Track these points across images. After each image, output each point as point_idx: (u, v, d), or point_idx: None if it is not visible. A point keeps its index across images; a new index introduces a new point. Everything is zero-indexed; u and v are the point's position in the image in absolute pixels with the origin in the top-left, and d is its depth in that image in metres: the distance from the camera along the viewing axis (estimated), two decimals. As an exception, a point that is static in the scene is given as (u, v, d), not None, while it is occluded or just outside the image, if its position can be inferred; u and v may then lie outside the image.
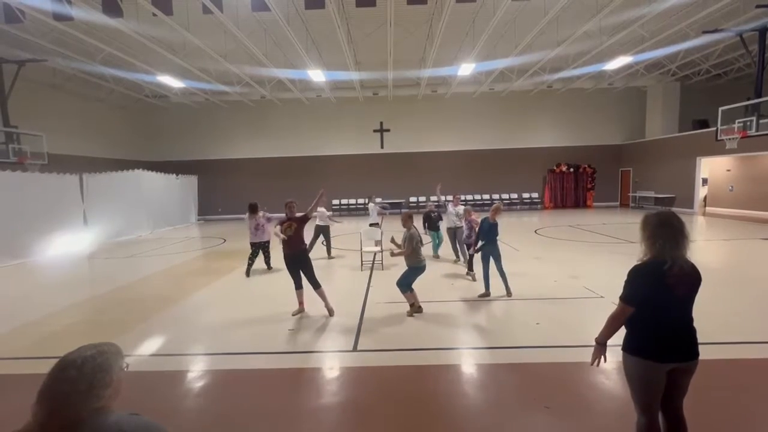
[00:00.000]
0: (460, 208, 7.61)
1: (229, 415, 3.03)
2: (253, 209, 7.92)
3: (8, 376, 3.82)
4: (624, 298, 2.05)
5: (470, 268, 6.83)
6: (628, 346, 2.08)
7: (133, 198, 14.37)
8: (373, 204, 9.80)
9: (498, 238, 5.71)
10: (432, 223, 8.48)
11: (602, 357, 2.16)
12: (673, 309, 2.03)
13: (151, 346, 4.53)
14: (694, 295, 2.08)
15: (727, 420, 2.83)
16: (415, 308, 5.12)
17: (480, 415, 2.99)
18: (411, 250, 4.95)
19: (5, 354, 4.36)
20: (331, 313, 5.15)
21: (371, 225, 9.04)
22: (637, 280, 2.04)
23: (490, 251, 5.62)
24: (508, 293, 5.67)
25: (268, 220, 7.99)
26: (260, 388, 3.46)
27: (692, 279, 2.04)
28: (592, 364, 2.17)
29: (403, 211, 6.47)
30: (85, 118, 16.59)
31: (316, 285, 5.17)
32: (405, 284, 5.04)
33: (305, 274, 5.19)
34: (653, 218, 2.06)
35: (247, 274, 7.62)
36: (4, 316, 5.67)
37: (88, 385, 1.07)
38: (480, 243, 5.69)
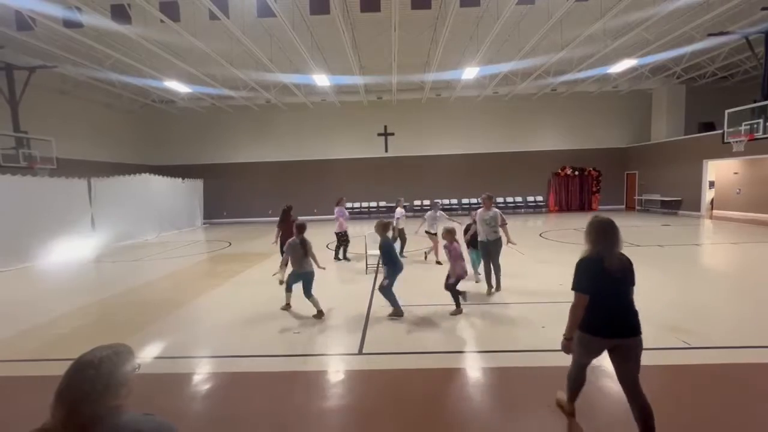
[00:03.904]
0: (494, 212, 6.05)
1: (235, 417, 3.06)
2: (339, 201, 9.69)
3: (19, 378, 3.88)
4: (577, 289, 2.49)
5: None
6: (579, 327, 2.53)
7: (140, 202, 14.52)
8: (400, 208, 9.41)
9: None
10: (474, 239, 6.68)
11: (570, 350, 2.60)
12: (611, 294, 2.44)
13: (158, 348, 4.57)
14: (630, 282, 2.48)
15: (737, 423, 2.80)
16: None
17: (486, 418, 2.99)
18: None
19: (15, 356, 4.42)
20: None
21: (398, 229, 8.94)
22: (583, 272, 2.49)
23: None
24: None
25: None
26: (266, 390, 3.48)
27: (625, 269, 2.46)
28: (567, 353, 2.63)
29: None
30: (93, 123, 16.82)
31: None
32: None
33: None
34: (595, 224, 2.53)
35: (336, 257, 9.23)
36: (13, 319, 5.75)
37: (105, 384, 1.11)
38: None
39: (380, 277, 7.44)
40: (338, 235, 9.19)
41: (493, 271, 6.11)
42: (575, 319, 2.49)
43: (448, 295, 5.48)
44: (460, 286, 5.24)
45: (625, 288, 2.46)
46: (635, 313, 2.45)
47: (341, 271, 8.17)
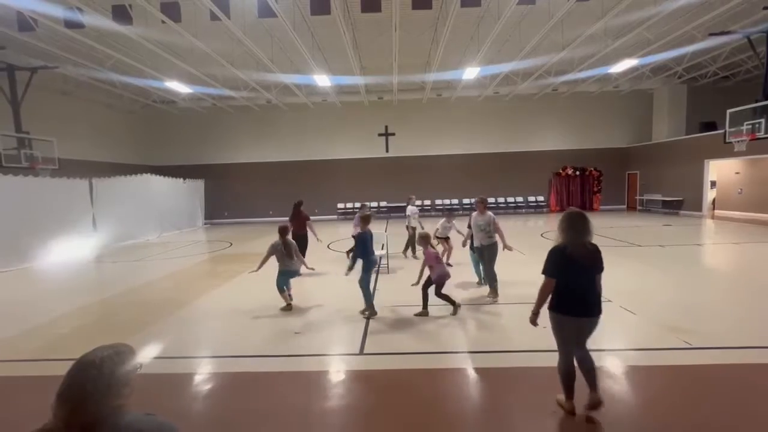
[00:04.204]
0: (488, 216, 5.83)
1: (236, 417, 3.06)
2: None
3: (20, 378, 3.89)
4: (546, 273, 2.80)
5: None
6: (550, 306, 2.83)
7: (141, 202, 14.54)
8: (412, 207, 9.19)
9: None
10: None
11: (536, 323, 2.93)
12: (579, 279, 2.75)
13: (159, 348, 4.58)
14: (598, 269, 2.80)
15: (739, 424, 2.80)
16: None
17: (486, 418, 2.99)
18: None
19: (17, 356, 4.43)
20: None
21: (411, 228, 8.87)
22: (554, 259, 2.78)
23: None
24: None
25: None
26: (267, 390, 3.48)
27: (593, 257, 2.77)
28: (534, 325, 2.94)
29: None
30: (94, 124, 16.85)
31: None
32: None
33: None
34: (566, 217, 2.82)
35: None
36: (14, 319, 5.76)
37: (108, 383, 1.11)
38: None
39: (381, 277, 7.47)
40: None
41: (486, 277, 6.00)
42: (542, 298, 2.84)
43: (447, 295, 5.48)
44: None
45: (591, 274, 2.78)
46: (599, 295, 2.80)
47: (341, 271, 8.17)
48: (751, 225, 13.27)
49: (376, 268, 5.29)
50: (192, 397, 3.42)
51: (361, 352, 4.18)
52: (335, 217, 20.46)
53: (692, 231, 12.48)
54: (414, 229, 8.91)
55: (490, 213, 5.87)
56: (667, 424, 2.81)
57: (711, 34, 11.95)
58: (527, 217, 18.30)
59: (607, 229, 12.87)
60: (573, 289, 2.75)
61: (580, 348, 2.87)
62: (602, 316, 2.82)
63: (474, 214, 6.02)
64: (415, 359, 3.99)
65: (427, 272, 5.17)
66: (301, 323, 5.10)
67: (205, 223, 19.70)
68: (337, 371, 3.80)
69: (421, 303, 5.21)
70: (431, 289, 5.13)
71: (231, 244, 12.80)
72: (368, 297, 5.25)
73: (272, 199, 20.25)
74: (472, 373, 3.69)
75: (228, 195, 20.54)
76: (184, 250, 11.94)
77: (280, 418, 3.04)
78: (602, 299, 2.83)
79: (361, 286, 5.20)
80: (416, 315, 5.14)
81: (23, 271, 9.43)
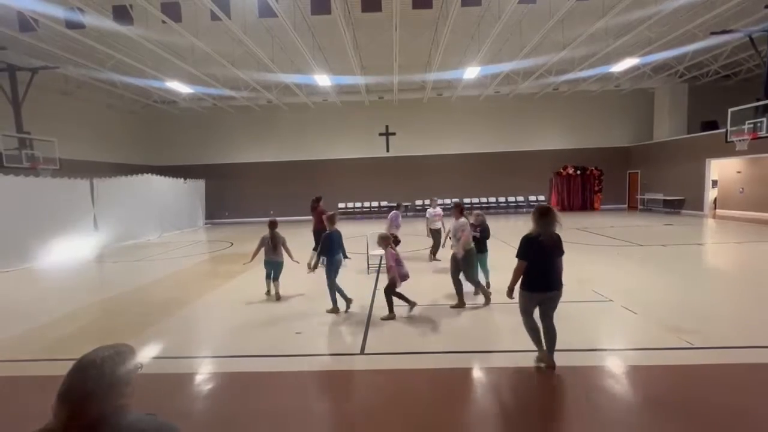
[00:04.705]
0: (459, 223, 5.56)
1: (237, 417, 3.06)
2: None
3: (21, 378, 3.89)
4: (519, 256, 3.49)
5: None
6: (521, 285, 3.54)
7: (142, 202, 14.56)
8: (432, 209, 8.82)
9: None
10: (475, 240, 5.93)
11: (512, 297, 3.64)
12: (544, 261, 3.43)
13: (160, 348, 4.58)
14: (559, 253, 3.50)
15: (740, 423, 2.79)
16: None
17: (487, 418, 2.98)
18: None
19: (19, 356, 4.44)
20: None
21: (433, 231, 8.63)
22: (525, 245, 3.47)
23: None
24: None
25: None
26: (268, 390, 3.48)
27: (556, 243, 3.47)
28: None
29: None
30: (95, 124, 16.87)
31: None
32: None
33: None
34: (536, 211, 3.50)
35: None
36: (17, 319, 5.77)
37: (108, 383, 1.11)
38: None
39: (383, 277, 7.47)
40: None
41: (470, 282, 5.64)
42: (516, 277, 3.52)
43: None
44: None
45: (553, 257, 3.45)
46: (560, 274, 3.49)
47: (342, 271, 8.17)
48: (753, 224, 13.24)
49: (337, 268, 5.51)
50: (193, 397, 3.43)
51: (363, 352, 4.18)
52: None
53: (693, 230, 12.46)
54: (437, 231, 8.64)
55: (463, 218, 5.64)
56: (668, 423, 2.80)
57: (712, 33, 11.92)
58: (528, 217, 18.25)
59: (608, 229, 12.85)
60: (538, 269, 3.43)
61: (547, 319, 3.57)
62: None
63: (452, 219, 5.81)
64: (416, 359, 3.99)
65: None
66: (302, 323, 5.10)
67: (206, 223, 19.71)
68: (338, 371, 3.80)
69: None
70: (384, 287, 5.19)
71: (232, 244, 12.81)
72: (332, 295, 5.42)
73: (273, 198, 20.27)
74: (473, 373, 3.69)
75: (229, 195, 20.56)
76: (184, 250, 11.95)
77: (280, 418, 3.04)
78: (562, 278, 3.55)
79: (328, 286, 5.43)
80: (383, 318, 5.09)
81: (24, 271, 9.45)
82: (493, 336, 4.58)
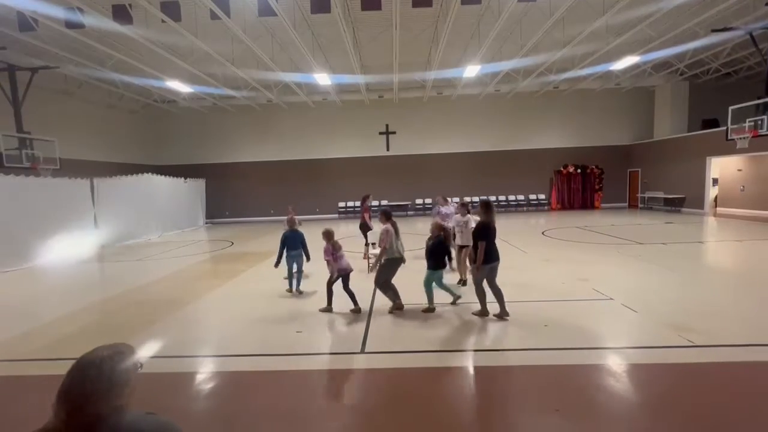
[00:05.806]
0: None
1: (237, 416, 3.06)
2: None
3: (23, 377, 3.90)
4: (481, 238, 4.69)
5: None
6: (481, 261, 4.70)
7: (143, 202, 14.57)
8: (444, 207, 8.28)
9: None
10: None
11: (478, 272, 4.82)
12: (493, 241, 4.79)
13: (161, 347, 4.59)
14: (497, 234, 4.88)
15: (742, 422, 2.79)
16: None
17: (488, 417, 2.98)
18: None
19: (19, 356, 4.44)
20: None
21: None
22: (484, 229, 4.74)
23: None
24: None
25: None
26: (269, 389, 3.49)
27: (495, 227, 4.86)
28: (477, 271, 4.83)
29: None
30: (95, 124, 16.86)
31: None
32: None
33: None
34: (484, 204, 4.86)
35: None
36: (16, 318, 5.78)
37: (108, 383, 1.10)
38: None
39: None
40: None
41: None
42: (482, 255, 4.65)
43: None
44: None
45: (494, 237, 4.82)
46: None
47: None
48: (754, 222, 13.22)
49: (295, 266, 6.35)
50: (193, 397, 3.43)
51: (363, 351, 4.18)
52: (336, 215, 20.47)
53: (694, 229, 12.45)
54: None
55: (468, 215, 6.63)
56: (668, 422, 2.80)
57: (713, 31, 11.88)
58: (528, 216, 18.27)
59: (608, 227, 12.84)
60: (492, 248, 4.74)
61: (493, 283, 4.86)
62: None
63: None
64: (416, 357, 3.99)
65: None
66: (302, 322, 5.10)
67: (206, 223, 19.72)
68: (338, 370, 3.81)
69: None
70: (338, 285, 5.34)
71: (232, 244, 12.81)
72: (290, 282, 6.34)
73: (273, 198, 20.27)
74: (474, 372, 3.69)
75: (229, 194, 20.56)
76: (185, 250, 11.95)
77: (280, 417, 3.04)
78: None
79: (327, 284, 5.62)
80: (321, 310, 5.40)
81: (25, 270, 9.46)
82: (493, 336, 4.58)
